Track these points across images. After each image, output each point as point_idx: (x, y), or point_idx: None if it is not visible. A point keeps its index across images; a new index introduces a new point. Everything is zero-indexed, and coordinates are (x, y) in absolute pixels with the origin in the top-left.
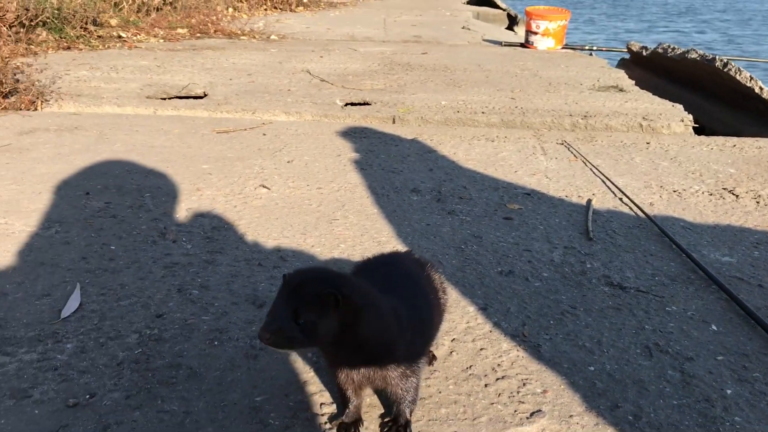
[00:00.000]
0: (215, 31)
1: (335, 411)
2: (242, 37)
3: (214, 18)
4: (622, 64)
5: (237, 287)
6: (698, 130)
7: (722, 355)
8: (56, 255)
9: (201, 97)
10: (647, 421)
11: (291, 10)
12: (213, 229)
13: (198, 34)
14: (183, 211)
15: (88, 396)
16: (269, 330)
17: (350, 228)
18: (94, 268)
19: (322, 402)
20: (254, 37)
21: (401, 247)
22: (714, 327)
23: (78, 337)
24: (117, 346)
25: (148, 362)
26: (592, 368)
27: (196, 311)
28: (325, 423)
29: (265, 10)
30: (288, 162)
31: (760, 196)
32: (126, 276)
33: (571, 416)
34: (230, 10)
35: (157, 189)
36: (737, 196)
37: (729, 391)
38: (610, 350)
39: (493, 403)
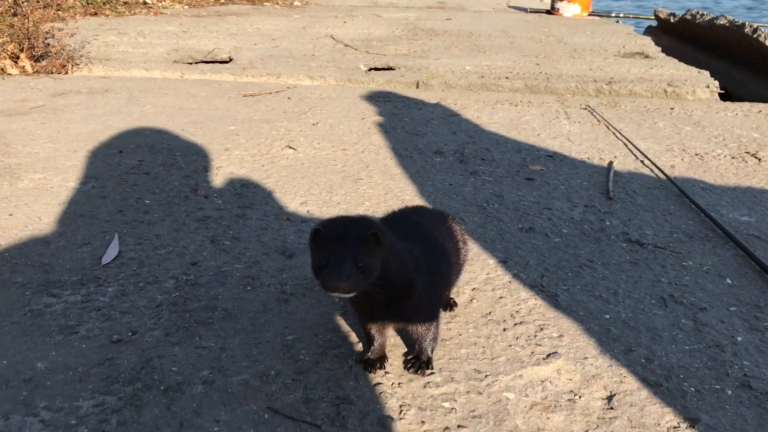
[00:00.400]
0: None
1: (362, 349)
2: (266, 3)
3: None
4: (649, 31)
5: (267, 239)
6: (725, 97)
7: (735, 306)
8: (94, 208)
9: (227, 62)
10: (659, 364)
11: None
12: (242, 186)
13: (222, 0)
14: (213, 169)
15: (130, 333)
16: (342, 278)
17: (374, 187)
18: (131, 220)
19: (350, 341)
20: (277, 3)
21: (424, 205)
22: (729, 281)
23: (118, 282)
24: (155, 290)
25: (186, 304)
26: (607, 316)
27: (229, 260)
28: (353, 359)
29: None
30: (313, 124)
31: None
32: (161, 227)
33: (585, 358)
34: None
35: (187, 148)
36: (759, 159)
37: (740, 339)
38: (626, 300)
39: (511, 345)
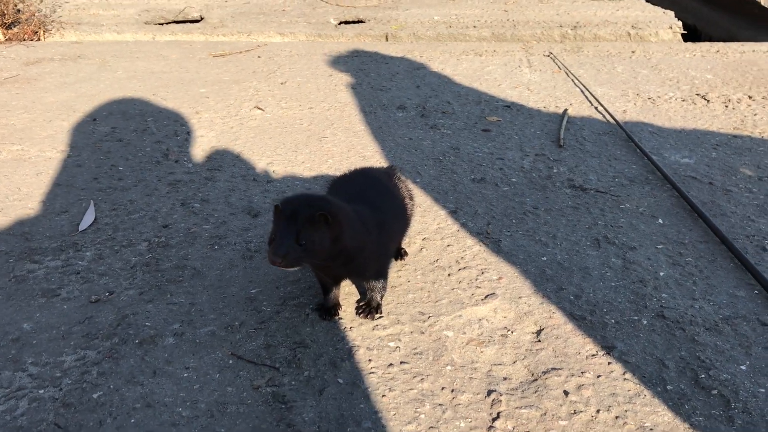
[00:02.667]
0: None
1: (319, 299)
2: None
3: None
4: None
5: (234, 200)
6: (694, 36)
7: (662, 244)
8: (70, 176)
9: (197, 21)
10: (586, 300)
11: None
12: (211, 149)
13: None
14: (183, 133)
15: (107, 293)
16: (279, 254)
17: (338, 144)
18: (105, 186)
19: (308, 292)
20: None
21: (384, 161)
22: (661, 221)
23: (95, 246)
24: (130, 253)
25: (158, 265)
26: (544, 258)
27: (198, 221)
28: (310, 308)
29: None
30: (281, 83)
31: (729, 100)
32: (134, 193)
33: (520, 297)
34: None
35: (159, 113)
36: (708, 101)
37: (662, 274)
38: (563, 243)
39: (453, 289)
